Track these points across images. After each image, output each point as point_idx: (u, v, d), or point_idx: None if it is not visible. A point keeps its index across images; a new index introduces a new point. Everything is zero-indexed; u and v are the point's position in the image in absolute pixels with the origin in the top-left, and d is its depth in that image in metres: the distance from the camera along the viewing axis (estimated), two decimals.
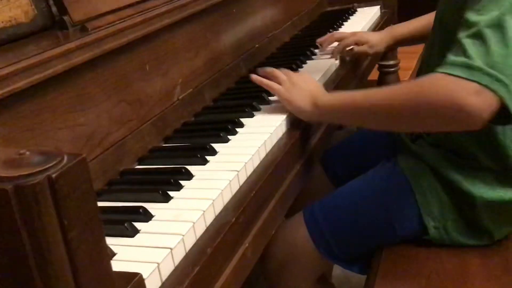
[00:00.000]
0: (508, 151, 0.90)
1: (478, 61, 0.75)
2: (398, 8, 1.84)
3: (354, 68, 1.34)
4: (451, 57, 0.78)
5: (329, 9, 1.86)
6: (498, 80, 0.74)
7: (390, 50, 1.55)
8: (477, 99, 0.74)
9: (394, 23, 1.81)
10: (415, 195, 0.95)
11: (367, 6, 1.77)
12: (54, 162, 0.40)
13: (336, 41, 1.33)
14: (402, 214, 0.97)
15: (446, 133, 0.95)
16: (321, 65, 1.23)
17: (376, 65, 1.71)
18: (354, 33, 1.33)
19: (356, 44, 1.30)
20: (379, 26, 1.65)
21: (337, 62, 1.27)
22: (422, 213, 0.95)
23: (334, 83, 1.18)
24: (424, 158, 0.97)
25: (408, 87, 0.84)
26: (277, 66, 1.26)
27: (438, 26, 0.99)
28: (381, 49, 1.35)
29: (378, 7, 1.75)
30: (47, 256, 0.41)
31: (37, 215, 0.40)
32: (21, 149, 0.42)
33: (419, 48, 1.79)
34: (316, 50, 1.35)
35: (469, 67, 0.75)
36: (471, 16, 0.79)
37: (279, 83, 0.99)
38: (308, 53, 1.33)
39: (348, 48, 1.31)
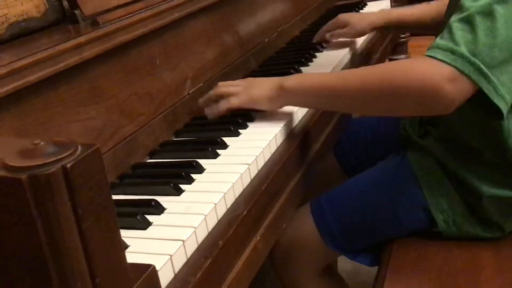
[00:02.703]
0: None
1: (462, 48, 0.75)
2: (408, 1, 1.83)
3: (365, 61, 1.33)
4: (438, 40, 0.78)
5: (338, 3, 1.85)
6: (479, 69, 0.74)
7: (384, 32, 1.48)
8: (451, 85, 0.74)
9: None
10: (422, 189, 0.95)
11: (377, 0, 1.76)
12: (68, 152, 0.40)
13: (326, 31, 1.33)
14: (409, 207, 0.97)
15: (451, 129, 0.94)
16: (332, 58, 1.22)
17: (387, 60, 1.70)
18: (336, 18, 1.31)
19: (339, 27, 1.29)
20: None
21: (349, 55, 1.26)
22: (430, 206, 0.94)
23: None
24: (432, 153, 0.97)
25: (387, 66, 0.84)
26: (287, 60, 1.27)
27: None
28: (365, 29, 1.30)
29: (388, 0, 1.74)
30: (62, 246, 0.41)
31: (51, 205, 0.40)
32: (36, 139, 0.42)
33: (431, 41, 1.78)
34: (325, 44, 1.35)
35: (452, 52, 0.75)
36: (466, 1, 0.78)
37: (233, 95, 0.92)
38: (318, 46, 1.32)
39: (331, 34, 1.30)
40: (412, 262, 0.95)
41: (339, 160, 1.26)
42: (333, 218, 1.00)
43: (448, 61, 0.74)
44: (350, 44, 1.30)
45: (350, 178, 1.08)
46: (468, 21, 0.76)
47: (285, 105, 0.93)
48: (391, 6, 1.74)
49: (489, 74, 0.74)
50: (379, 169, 1.03)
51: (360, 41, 1.35)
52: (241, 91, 0.91)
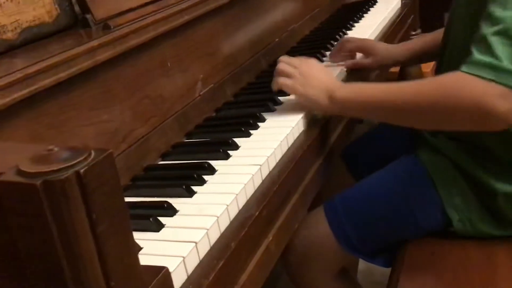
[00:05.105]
0: None
1: (506, 62, 0.73)
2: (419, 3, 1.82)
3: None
4: (477, 56, 0.76)
5: (349, 1, 1.85)
6: None
7: (401, 66, 1.47)
8: (505, 102, 0.73)
9: (415, 15, 1.79)
10: (437, 188, 0.94)
11: None
12: (81, 158, 0.41)
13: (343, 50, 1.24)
14: (424, 207, 0.96)
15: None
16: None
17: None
18: (362, 40, 1.25)
19: (361, 51, 1.22)
20: (399, 17, 1.63)
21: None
22: (445, 205, 0.94)
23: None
24: (444, 152, 0.96)
25: (432, 86, 0.82)
26: None
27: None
28: (389, 65, 1.27)
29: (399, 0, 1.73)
30: (76, 250, 0.41)
31: (66, 210, 0.40)
32: (49, 145, 0.43)
33: None
34: (335, 43, 1.34)
35: (496, 68, 0.73)
36: (496, 10, 0.76)
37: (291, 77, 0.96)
38: (329, 46, 1.32)
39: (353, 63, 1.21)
40: (426, 262, 0.95)
41: (346, 162, 1.26)
42: (348, 221, 0.99)
43: (495, 79, 0.73)
44: None
45: (359, 179, 1.07)
46: (506, 34, 0.74)
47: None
48: (401, 4, 1.73)
49: None
50: (393, 169, 1.03)
51: None
52: (297, 77, 0.95)
